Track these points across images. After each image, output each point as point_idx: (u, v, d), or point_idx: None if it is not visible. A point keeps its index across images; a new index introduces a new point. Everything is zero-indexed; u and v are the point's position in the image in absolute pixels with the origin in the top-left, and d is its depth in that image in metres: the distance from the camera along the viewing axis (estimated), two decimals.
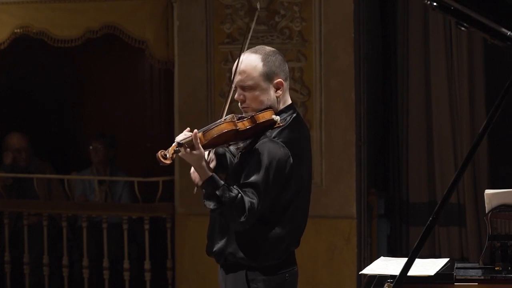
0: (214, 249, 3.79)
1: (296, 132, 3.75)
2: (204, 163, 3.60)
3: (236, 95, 3.77)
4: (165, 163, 3.59)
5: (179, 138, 3.60)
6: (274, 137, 3.68)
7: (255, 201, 3.58)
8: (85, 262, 7.18)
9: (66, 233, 7.29)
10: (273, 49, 3.81)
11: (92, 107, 8.74)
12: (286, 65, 3.81)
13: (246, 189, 3.60)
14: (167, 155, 3.59)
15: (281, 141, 3.66)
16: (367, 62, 6.72)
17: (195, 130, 3.62)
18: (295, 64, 6.55)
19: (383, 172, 7.24)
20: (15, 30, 7.11)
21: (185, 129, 3.68)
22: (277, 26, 6.60)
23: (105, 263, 7.11)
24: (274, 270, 3.73)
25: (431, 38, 6.75)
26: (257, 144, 3.68)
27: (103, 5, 7.01)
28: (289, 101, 3.82)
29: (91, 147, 7.73)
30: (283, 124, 3.72)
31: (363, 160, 6.65)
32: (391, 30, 7.09)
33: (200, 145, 3.57)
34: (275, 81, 3.74)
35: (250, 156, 3.68)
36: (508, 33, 3.09)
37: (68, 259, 7.25)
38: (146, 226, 7.01)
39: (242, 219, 3.57)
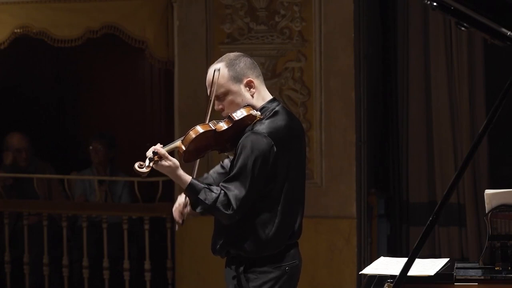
0: (217, 246, 3.89)
1: (280, 121, 3.81)
2: (180, 172, 3.73)
3: (215, 107, 3.87)
4: (143, 172, 3.67)
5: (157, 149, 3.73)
6: (256, 129, 3.75)
7: (238, 192, 3.69)
8: (85, 262, 7.18)
9: (66, 233, 7.29)
10: (239, 53, 3.93)
11: (92, 107, 8.74)
12: (256, 65, 3.91)
13: (230, 183, 3.72)
14: (143, 165, 3.67)
15: (264, 132, 3.74)
16: (367, 62, 6.72)
17: (158, 144, 3.74)
18: (295, 64, 6.55)
19: (383, 172, 7.23)
20: (15, 30, 7.10)
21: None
22: (277, 26, 6.60)
23: (105, 263, 7.11)
24: (273, 262, 3.82)
25: (431, 38, 6.75)
26: (241, 139, 3.76)
27: (103, 5, 7.01)
28: (269, 96, 3.91)
29: (91, 147, 7.73)
30: (263, 116, 3.80)
31: (363, 160, 6.64)
32: (391, 30, 7.09)
33: (168, 156, 3.69)
34: (245, 81, 3.83)
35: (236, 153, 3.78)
36: (508, 33, 3.09)
37: (68, 259, 7.25)
38: (146, 226, 7.01)
39: (229, 211, 3.69)
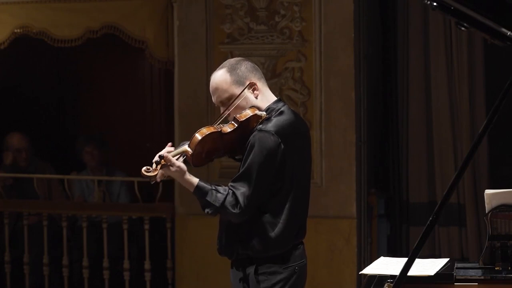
0: (224, 247, 3.90)
1: (286, 118, 3.85)
2: (187, 177, 3.78)
3: (221, 112, 3.89)
4: (151, 176, 3.74)
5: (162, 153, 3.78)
6: (263, 127, 3.79)
7: (245, 190, 3.73)
8: (85, 262, 7.18)
9: (66, 233, 7.29)
10: (239, 58, 3.99)
11: (92, 107, 8.74)
12: (257, 68, 3.96)
13: (238, 182, 3.76)
14: (150, 169, 3.72)
15: (271, 130, 3.78)
16: (367, 62, 6.72)
17: (165, 149, 3.78)
18: (295, 64, 6.55)
19: (383, 172, 7.24)
20: (15, 30, 7.10)
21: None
22: (277, 26, 6.60)
23: (105, 263, 7.11)
24: (282, 263, 3.84)
25: (431, 38, 6.75)
26: (249, 138, 3.79)
27: (103, 5, 7.01)
28: (274, 98, 3.95)
29: (84, 151, 7.71)
30: (269, 115, 3.84)
31: (363, 160, 6.64)
32: (391, 30, 7.09)
33: (174, 160, 3.73)
34: (247, 84, 3.87)
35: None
36: (508, 33, 3.09)
37: (68, 259, 7.25)
38: (146, 226, 7.01)
39: (237, 210, 3.73)
